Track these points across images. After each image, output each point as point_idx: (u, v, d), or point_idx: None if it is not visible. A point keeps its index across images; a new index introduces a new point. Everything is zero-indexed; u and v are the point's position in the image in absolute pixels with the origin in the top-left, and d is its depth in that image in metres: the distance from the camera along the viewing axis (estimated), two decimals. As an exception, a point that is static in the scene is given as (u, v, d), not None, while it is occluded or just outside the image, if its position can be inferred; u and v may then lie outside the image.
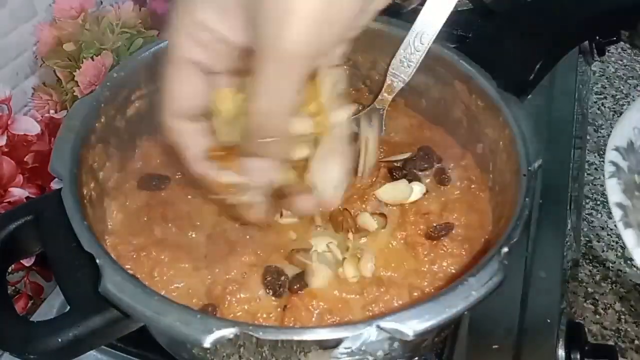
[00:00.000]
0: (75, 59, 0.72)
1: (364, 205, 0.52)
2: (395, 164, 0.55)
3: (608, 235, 1.05)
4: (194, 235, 0.50)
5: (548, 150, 0.69)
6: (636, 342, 0.90)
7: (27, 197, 0.62)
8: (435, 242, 0.49)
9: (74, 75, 0.70)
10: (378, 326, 0.35)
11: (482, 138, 0.54)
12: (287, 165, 0.40)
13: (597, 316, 0.93)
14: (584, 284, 0.97)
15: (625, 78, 1.40)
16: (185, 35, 0.36)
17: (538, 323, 0.54)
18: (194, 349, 0.42)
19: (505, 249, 0.40)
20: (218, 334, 0.34)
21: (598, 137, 1.25)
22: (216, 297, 0.45)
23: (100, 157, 0.50)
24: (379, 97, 0.59)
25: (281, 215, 0.50)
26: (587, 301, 0.95)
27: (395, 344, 0.38)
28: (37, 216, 0.43)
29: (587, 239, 1.04)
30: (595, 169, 1.17)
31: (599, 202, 1.10)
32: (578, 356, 0.53)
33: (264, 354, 0.38)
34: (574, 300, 0.73)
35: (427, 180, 0.54)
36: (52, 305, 0.55)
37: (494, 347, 0.53)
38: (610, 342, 0.89)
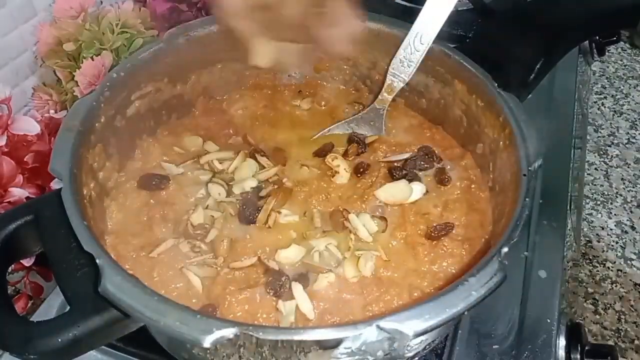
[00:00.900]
0: (75, 59, 0.72)
1: (363, 205, 0.52)
2: (395, 164, 0.55)
3: (608, 235, 1.06)
4: (194, 235, 0.50)
5: (548, 150, 0.68)
6: (636, 342, 0.90)
7: (27, 197, 0.62)
8: (435, 242, 0.49)
9: (74, 75, 0.70)
10: (378, 326, 0.35)
11: (482, 138, 0.54)
12: None
13: (597, 316, 0.93)
14: (584, 284, 0.97)
15: (625, 78, 1.41)
16: None
17: (538, 323, 0.54)
18: (194, 349, 0.42)
19: (505, 249, 0.40)
20: (218, 334, 0.34)
21: (598, 137, 1.25)
22: (216, 297, 0.45)
23: (100, 157, 0.50)
24: (379, 97, 0.59)
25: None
26: (587, 301, 0.95)
27: (395, 344, 0.38)
28: (37, 216, 0.43)
29: (587, 239, 1.05)
30: (595, 169, 1.17)
31: (599, 202, 1.11)
32: (578, 356, 0.53)
33: (264, 354, 0.38)
34: (574, 300, 0.73)
35: (427, 180, 0.54)
36: (52, 305, 0.55)
37: (494, 347, 0.53)
38: (610, 342, 0.89)
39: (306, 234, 0.50)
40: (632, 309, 0.94)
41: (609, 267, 0.99)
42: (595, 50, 0.95)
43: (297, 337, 0.35)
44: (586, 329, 0.57)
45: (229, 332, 0.35)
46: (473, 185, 0.54)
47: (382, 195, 0.52)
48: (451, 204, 0.52)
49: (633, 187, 1.13)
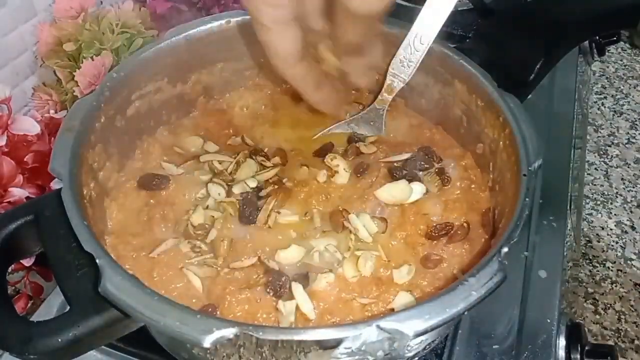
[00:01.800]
0: (75, 59, 0.72)
1: (363, 206, 0.52)
2: (395, 164, 0.55)
3: (608, 235, 1.06)
4: (194, 235, 0.50)
5: (548, 150, 0.69)
6: (636, 342, 0.90)
7: (27, 197, 0.62)
8: (435, 242, 0.49)
9: (74, 75, 0.70)
10: (378, 326, 0.35)
11: (482, 138, 0.54)
12: None
13: (597, 316, 0.93)
14: (584, 284, 0.98)
15: (625, 78, 1.41)
16: None
17: (538, 323, 0.54)
18: (194, 349, 0.42)
19: (505, 249, 0.40)
20: (218, 334, 0.34)
21: (598, 137, 1.25)
22: (216, 297, 0.45)
23: (100, 157, 0.50)
24: (379, 97, 0.59)
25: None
26: (587, 301, 0.95)
27: (395, 344, 0.38)
28: (37, 216, 0.43)
29: (587, 239, 1.05)
30: (595, 169, 1.17)
31: (599, 202, 1.11)
32: (578, 356, 0.53)
33: (264, 354, 0.38)
34: (574, 300, 0.73)
35: (427, 180, 0.54)
36: (52, 305, 0.55)
37: (494, 347, 0.53)
38: (610, 342, 0.89)
39: (306, 234, 0.50)
40: (632, 309, 0.94)
41: (609, 267, 0.99)
42: (595, 50, 0.95)
43: (297, 337, 0.35)
44: (586, 329, 0.57)
45: (229, 332, 0.35)
46: (473, 186, 0.54)
47: (382, 196, 0.52)
48: (451, 204, 0.52)
49: (633, 187, 1.13)
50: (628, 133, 1.25)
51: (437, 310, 0.36)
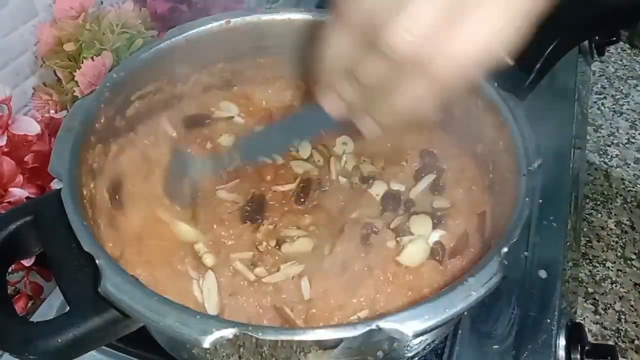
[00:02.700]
0: (75, 59, 0.72)
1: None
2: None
3: (608, 235, 1.05)
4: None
5: (548, 150, 0.69)
6: (636, 342, 0.90)
7: (27, 197, 0.62)
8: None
9: (74, 75, 0.70)
10: (378, 326, 0.35)
11: (482, 138, 0.54)
12: None
13: (597, 316, 0.93)
14: (584, 284, 0.97)
15: (625, 78, 1.41)
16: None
17: (538, 323, 0.54)
18: (193, 349, 0.42)
19: (505, 249, 0.40)
20: (218, 334, 0.34)
21: (598, 137, 1.25)
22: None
23: (100, 158, 0.50)
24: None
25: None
26: (587, 301, 0.95)
27: (395, 344, 0.38)
28: (37, 216, 0.43)
29: (587, 239, 1.05)
30: (595, 169, 1.17)
31: (599, 202, 1.11)
32: (578, 356, 0.53)
33: (263, 354, 0.38)
34: (574, 300, 0.73)
35: (428, 181, 0.54)
36: (52, 305, 0.55)
37: (494, 347, 0.53)
38: (610, 342, 0.89)
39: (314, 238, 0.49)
40: (632, 309, 0.94)
41: (609, 267, 0.99)
42: (595, 50, 0.95)
43: (297, 337, 0.35)
44: (586, 329, 0.57)
45: (229, 332, 0.35)
46: (473, 186, 0.54)
47: (405, 260, 0.47)
48: (451, 204, 0.52)
49: (633, 187, 1.13)
50: (628, 133, 1.25)
51: (437, 310, 0.36)
